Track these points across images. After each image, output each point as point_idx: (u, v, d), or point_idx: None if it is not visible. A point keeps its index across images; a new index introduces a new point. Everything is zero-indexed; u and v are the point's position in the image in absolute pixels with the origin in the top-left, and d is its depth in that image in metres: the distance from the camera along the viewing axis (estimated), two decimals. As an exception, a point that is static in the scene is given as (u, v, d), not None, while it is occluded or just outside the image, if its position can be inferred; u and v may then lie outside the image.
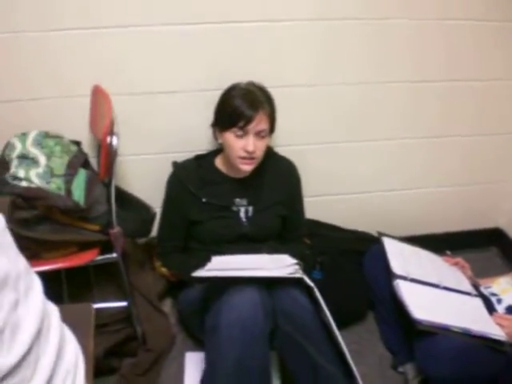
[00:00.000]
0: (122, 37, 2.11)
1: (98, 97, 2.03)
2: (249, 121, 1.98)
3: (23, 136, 2.00)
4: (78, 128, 2.22)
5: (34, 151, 1.92)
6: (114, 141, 1.81)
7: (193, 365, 2.21)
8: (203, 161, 2.26)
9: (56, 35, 2.07)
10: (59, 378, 0.96)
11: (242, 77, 2.11)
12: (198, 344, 2.25)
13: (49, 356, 0.95)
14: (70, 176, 1.89)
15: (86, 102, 2.16)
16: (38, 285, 1.02)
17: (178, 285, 2.33)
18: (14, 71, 2.09)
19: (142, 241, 2.45)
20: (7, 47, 2.04)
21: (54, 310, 1.06)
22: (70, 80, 2.15)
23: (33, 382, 0.90)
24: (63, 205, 1.76)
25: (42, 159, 1.90)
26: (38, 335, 0.94)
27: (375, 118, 2.51)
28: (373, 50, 2.34)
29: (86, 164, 2.11)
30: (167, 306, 2.44)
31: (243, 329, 1.71)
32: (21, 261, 0.97)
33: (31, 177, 1.81)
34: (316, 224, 2.62)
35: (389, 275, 2.12)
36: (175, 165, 2.25)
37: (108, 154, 1.79)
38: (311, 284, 1.79)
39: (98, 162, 2.24)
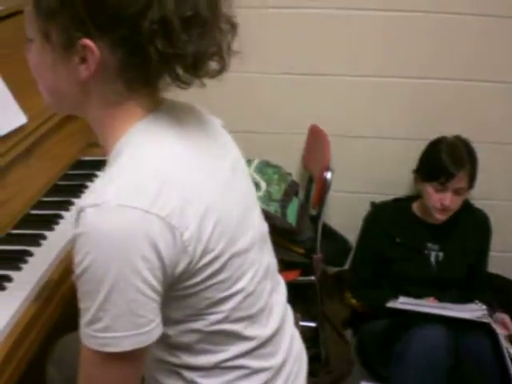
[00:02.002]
0: (339, 84, 2.36)
1: (316, 135, 2.27)
2: (450, 178, 2.12)
3: (248, 162, 2.30)
4: (290, 161, 2.49)
5: (256, 177, 2.21)
6: (329, 176, 2.03)
7: (367, 393, 2.34)
8: (400, 204, 2.41)
9: (282, 78, 2.37)
10: (292, 358, 1.17)
11: (449, 129, 2.25)
12: (373, 375, 2.37)
13: (286, 339, 1.15)
14: (285, 202, 2.15)
15: (302, 139, 2.42)
16: (282, 280, 1.24)
17: (361, 316, 2.48)
18: (248, 107, 2.41)
19: (332, 270, 2.65)
20: (247, 85, 2.36)
21: (288, 305, 1.28)
22: (291, 119, 2.43)
23: (276, 356, 1.11)
24: (281, 225, 2.02)
25: (263, 184, 2.18)
26: (282, 320, 1.15)
27: None
28: None
29: (296, 193, 2.37)
30: (348, 334, 2.60)
31: (429, 359, 1.85)
32: (274, 259, 1.20)
33: (254, 198, 2.09)
34: (501, 279, 2.66)
35: None
36: (373, 205, 2.43)
37: (323, 187, 2.02)
38: (497, 330, 1.89)
39: (304, 193, 2.48)
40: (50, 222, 1.66)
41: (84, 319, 0.89)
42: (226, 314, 1.00)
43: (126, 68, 0.92)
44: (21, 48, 1.97)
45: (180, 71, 0.94)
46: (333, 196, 2.54)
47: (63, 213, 1.71)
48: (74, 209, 0.93)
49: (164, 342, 0.97)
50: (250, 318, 1.04)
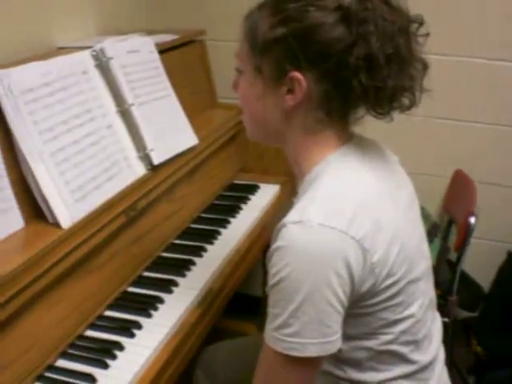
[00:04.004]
0: (488, 132, 2.38)
1: (461, 180, 2.30)
2: None
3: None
4: (431, 202, 2.52)
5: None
6: (473, 221, 2.05)
7: None
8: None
9: (434, 122, 2.41)
10: None
11: None
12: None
13: (439, 367, 1.20)
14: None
15: (444, 182, 2.46)
16: (438, 315, 1.29)
17: (486, 365, 2.45)
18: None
19: (460, 316, 2.63)
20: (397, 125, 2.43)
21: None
22: (436, 162, 2.47)
23: (430, 382, 1.16)
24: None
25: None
26: (438, 350, 1.21)
27: None
28: None
29: (436, 234, 2.40)
30: (471, 381, 2.57)
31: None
32: (434, 293, 1.25)
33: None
34: None
35: None
36: (510, 254, 2.42)
37: (466, 232, 2.04)
38: None
39: (442, 235, 2.50)
40: (209, 236, 1.81)
41: (273, 324, 0.99)
42: (396, 335, 1.07)
43: (328, 99, 1.03)
44: (190, 74, 2.16)
45: (376, 104, 1.04)
46: (470, 241, 2.54)
47: (221, 229, 1.85)
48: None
49: (334, 355, 1.04)
50: (415, 343, 1.11)
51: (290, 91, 1.04)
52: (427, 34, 1.06)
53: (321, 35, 0.98)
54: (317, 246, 0.94)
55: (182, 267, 1.63)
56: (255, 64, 1.07)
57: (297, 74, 1.01)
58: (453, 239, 2.37)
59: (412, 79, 1.04)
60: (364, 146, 1.12)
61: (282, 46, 1.01)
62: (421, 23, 1.05)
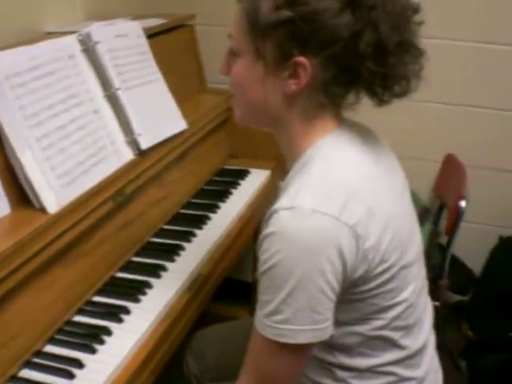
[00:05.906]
0: (483, 117, 2.38)
1: (452, 165, 2.31)
2: None
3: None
4: (421, 187, 2.51)
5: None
6: (463, 205, 2.05)
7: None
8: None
9: (428, 106, 2.40)
10: (432, 372, 1.20)
11: None
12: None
13: (429, 353, 1.20)
14: (417, 226, 2.20)
15: (436, 166, 2.46)
16: (429, 301, 1.28)
17: (477, 349, 2.46)
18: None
19: (452, 300, 2.64)
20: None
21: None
22: (428, 146, 2.47)
23: (421, 368, 1.16)
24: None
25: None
26: (428, 335, 1.20)
27: None
28: None
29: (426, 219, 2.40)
30: (462, 366, 2.58)
31: None
32: (425, 279, 1.25)
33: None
34: None
35: None
36: (502, 239, 2.42)
37: (456, 216, 2.05)
38: None
39: (433, 220, 2.50)
40: (198, 221, 1.80)
41: (264, 310, 0.98)
42: (388, 321, 1.07)
43: (332, 84, 1.01)
44: (180, 59, 2.14)
45: (379, 90, 1.03)
46: (461, 225, 2.54)
47: (210, 214, 1.85)
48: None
49: (325, 341, 1.03)
50: (406, 328, 1.10)
51: (292, 76, 1.00)
52: (421, 23, 1.04)
53: (327, 20, 0.95)
54: (309, 233, 0.93)
55: (171, 252, 1.63)
56: (255, 46, 1.01)
57: (302, 59, 0.98)
58: (444, 224, 2.37)
59: (412, 67, 1.03)
60: (356, 129, 1.11)
61: (286, 29, 0.97)
62: (417, 10, 1.03)
